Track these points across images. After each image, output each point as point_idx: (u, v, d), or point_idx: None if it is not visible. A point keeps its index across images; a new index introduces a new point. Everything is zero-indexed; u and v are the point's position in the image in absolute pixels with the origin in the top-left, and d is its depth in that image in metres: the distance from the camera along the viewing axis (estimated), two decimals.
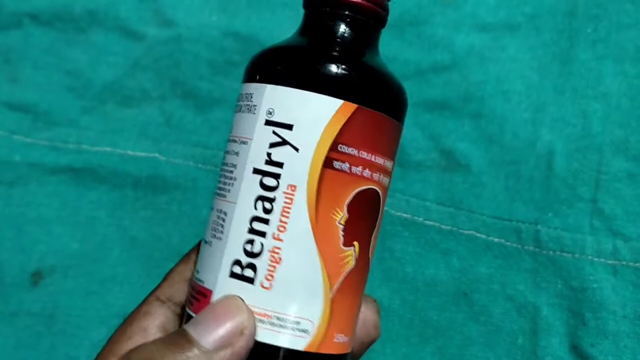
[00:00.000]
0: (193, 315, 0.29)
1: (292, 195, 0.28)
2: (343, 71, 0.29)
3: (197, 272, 0.30)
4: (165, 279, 0.33)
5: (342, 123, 0.28)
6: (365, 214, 0.30)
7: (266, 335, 0.28)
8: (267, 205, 0.28)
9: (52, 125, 0.50)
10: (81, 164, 0.50)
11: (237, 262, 0.28)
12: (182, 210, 0.49)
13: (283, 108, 0.28)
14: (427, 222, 0.47)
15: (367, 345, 0.33)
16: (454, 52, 0.48)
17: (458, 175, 0.47)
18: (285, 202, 0.28)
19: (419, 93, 0.48)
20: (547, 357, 0.44)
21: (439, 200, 0.47)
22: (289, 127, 0.28)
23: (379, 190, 0.30)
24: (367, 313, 0.32)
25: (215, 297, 0.28)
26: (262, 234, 0.28)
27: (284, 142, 0.28)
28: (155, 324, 0.31)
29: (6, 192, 0.49)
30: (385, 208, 0.50)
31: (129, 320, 0.32)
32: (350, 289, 0.29)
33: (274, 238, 0.28)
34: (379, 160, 0.30)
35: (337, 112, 0.28)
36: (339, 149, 0.28)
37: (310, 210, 0.28)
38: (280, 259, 0.28)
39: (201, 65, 0.50)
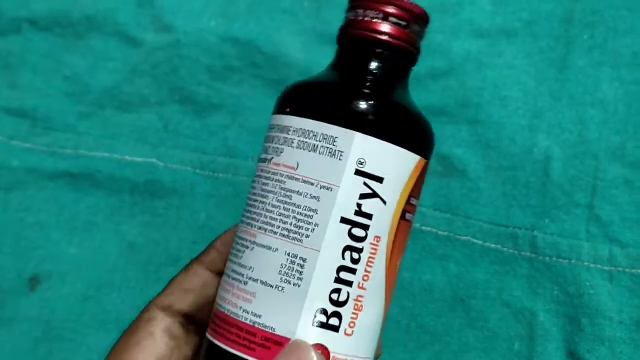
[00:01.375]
0: None
1: (377, 246, 0.29)
2: (423, 129, 0.31)
3: (258, 316, 0.29)
4: (165, 288, 0.33)
5: (416, 177, 0.30)
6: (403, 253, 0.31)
7: None
8: (355, 255, 0.29)
9: (50, 131, 0.50)
10: (79, 170, 0.50)
11: (323, 311, 0.28)
12: (180, 216, 0.49)
13: (375, 160, 0.29)
14: (424, 228, 0.47)
15: None
16: (451, 59, 0.48)
17: (455, 181, 0.47)
18: (371, 253, 0.29)
19: (417, 99, 0.48)
20: None
21: (436, 206, 0.47)
22: (380, 180, 0.29)
23: None
24: None
25: None
26: (349, 284, 0.29)
27: (375, 195, 0.29)
28: (160, 328, 0.32)
29: (4, 197, 0.49)
30: None
31: (133, 328, 0.32)
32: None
33: (359, 287, 0.29)
34: (418, 204, 0.31)
35: (415, 167, 0.30)
36: (410, 201, 0.30)
37: (387, 260, 0.29)
38: (362, 306, 0.29)
39: (200, 70, 0.50)
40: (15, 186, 0.50)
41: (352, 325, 0.29)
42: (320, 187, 0.29)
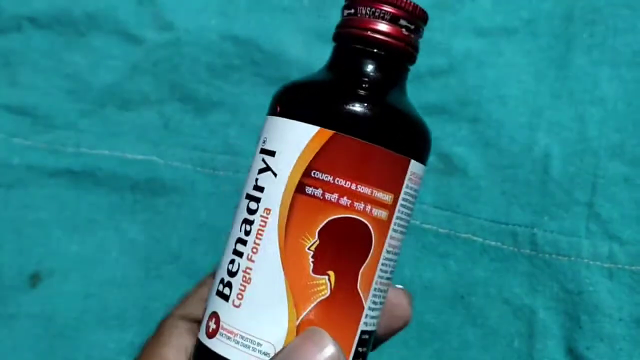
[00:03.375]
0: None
1: (267, 218, 0.29)
2: (321, 98, 0.30)
3: None
4: (181, 301, 0.34)
5: (317, 149, 0.28)
6: (344, 244, 0.29)
7: (230, 352, 0.29)
8: (247, 227, 0.29)
9: (51, 128, 0.50)
10: (80, 167, 0.50)
11: (222, 281, 0.30)
12: (181, 213, 0.49)
13: (272, 136, 0.30)
14: (424, 225, 0.47)
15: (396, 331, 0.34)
16: (451, 57, 0.48)
17: (455, 179, 0.47)
18: (260, 225, 0.29)
19: (417, 97, 0.48)
20: None
21: (436, 203, 0.47)
22: (273, 153, 0.29)
23: (365, 222, 0.29)
24: (393, 298, 0.33)
25: (207, 312, 0.30)
26: (240, 254, 0.29)
27: (267, 168, 0.29)
28: (183, 330, 0.32)
29: (5, 194, 0.49)
30: None
31: (157, 334, 0.33)
32: (323, 319, 0.29)
33: (248, 259, 0.29)
34: (364, 189, 0.29)
35: (312, 138, 0.29)
36: (312, 174, 0.28)
37: (280, 233, 0.29)
38: (250, 279, 0.29)
39: (200, 68, 0.50)
40: (16, 183, 0.50)
41: (239, 296, 0.29)
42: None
